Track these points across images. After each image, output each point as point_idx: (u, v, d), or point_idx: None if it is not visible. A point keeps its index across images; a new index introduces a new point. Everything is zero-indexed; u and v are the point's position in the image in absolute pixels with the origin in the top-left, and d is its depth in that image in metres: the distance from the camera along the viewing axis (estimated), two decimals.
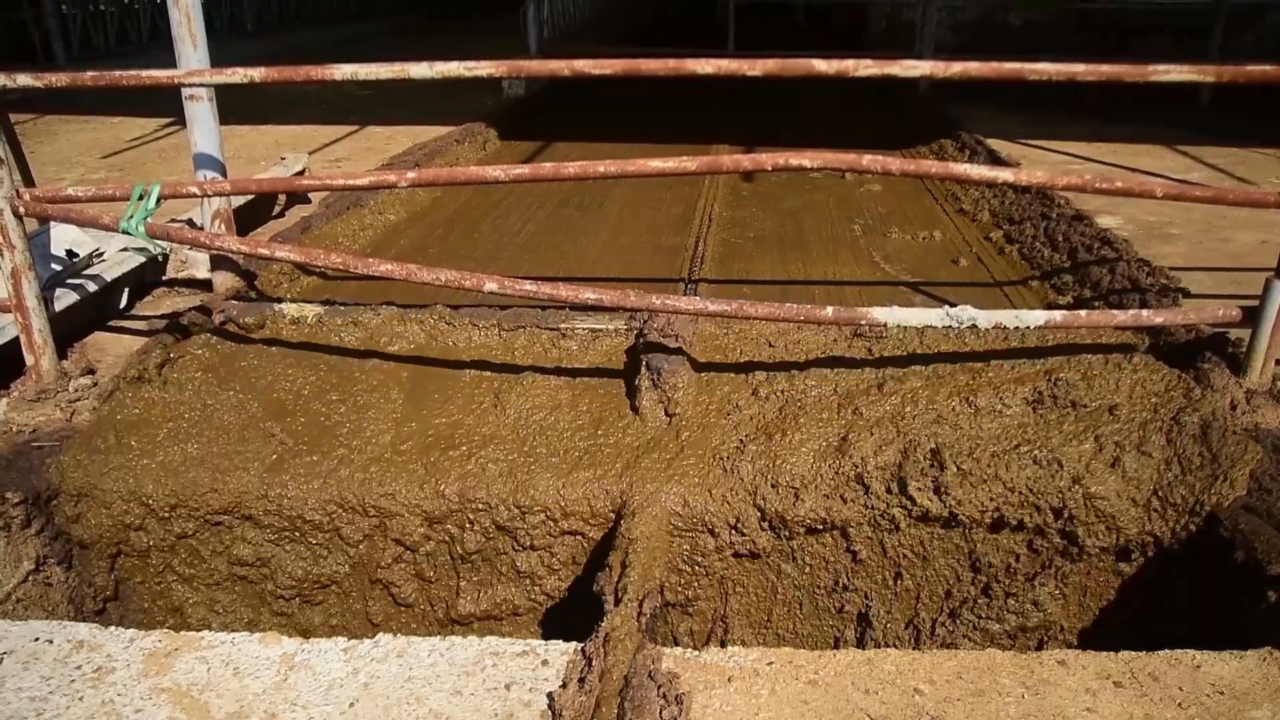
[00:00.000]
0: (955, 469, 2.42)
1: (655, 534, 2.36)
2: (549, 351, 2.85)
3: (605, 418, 2.65)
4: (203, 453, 2.60)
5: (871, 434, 2.50)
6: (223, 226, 3.18)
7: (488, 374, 2.80)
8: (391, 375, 2.81)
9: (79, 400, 2.71)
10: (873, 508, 2.47)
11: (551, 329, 2.87)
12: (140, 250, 3.37)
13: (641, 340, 2.76)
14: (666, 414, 2.60)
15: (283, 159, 4.85)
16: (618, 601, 2.05)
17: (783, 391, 2.63)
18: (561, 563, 2.61)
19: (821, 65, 2.31)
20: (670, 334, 2.72)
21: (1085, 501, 2.39)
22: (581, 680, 1.75)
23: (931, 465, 2.44)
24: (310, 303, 3.02)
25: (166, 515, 2.57)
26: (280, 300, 3.09)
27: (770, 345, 2.78)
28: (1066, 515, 2.41)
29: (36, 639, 1.90)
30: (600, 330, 2.87)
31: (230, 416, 2.69)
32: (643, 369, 2.63)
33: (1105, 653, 1.83)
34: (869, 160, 2.43)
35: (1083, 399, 2.50)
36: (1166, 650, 1.83)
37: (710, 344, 2.81)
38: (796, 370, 2.69)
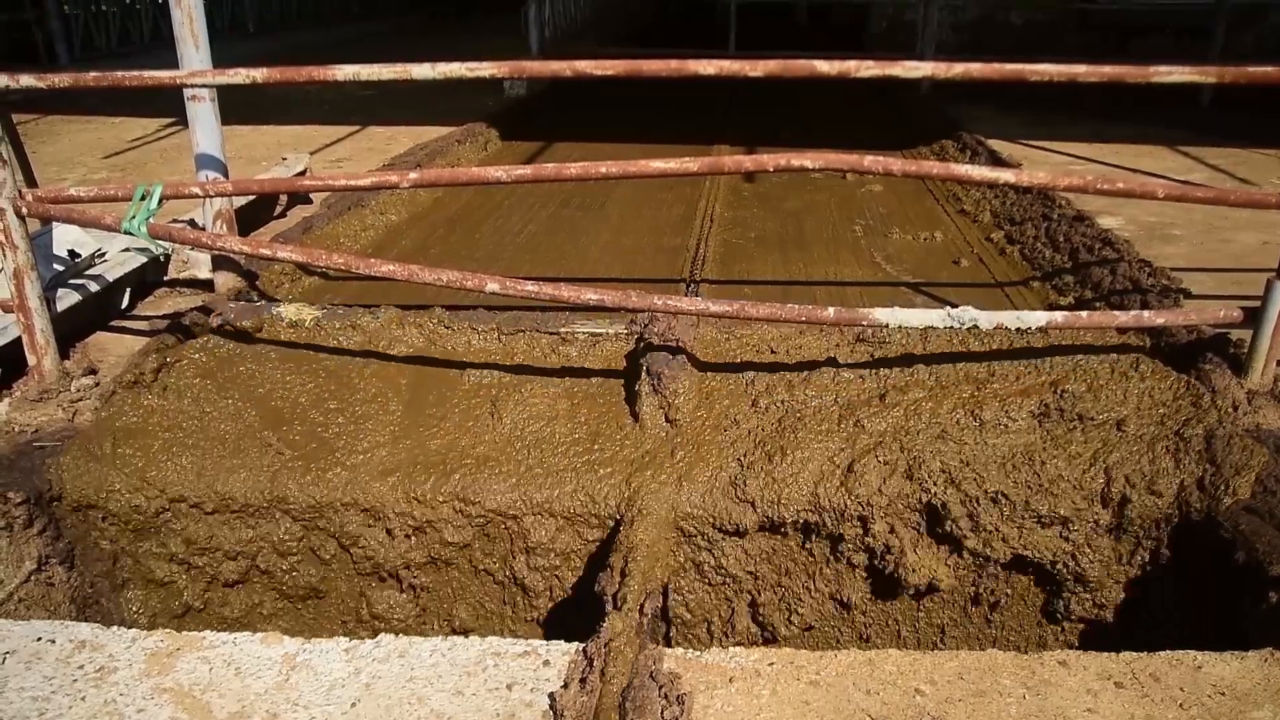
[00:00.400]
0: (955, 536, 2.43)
1: (656, 537, 2.36)
2: (548, 357, 2.82)
3: (602, 430, 2.61)
4: (198, 465, 2.57)
5: (876, 457, 2.44)
6: (224, 227, 3.18)
7: (487, 381, 2.77)
8: (390, 383, 2.79)
9: (81, 400, 2.71)
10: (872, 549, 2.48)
11: (551, 333, 2.85)
12: (142, 250, 3.38)
13: (642, 344, 2.74)
14: (667, 420, 2.58)
15: (284, 159, 4.85)
16: (619, 602, 2.05)
17: (783, 402, 2.59)
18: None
19: (824, 66, 2.31)
20: (671, 339, 2.70)
21: (1080, 583, 2.45)
22: (583, 680, 1.75)
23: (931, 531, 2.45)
24: (309, 305, 3.00)
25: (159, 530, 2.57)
26: (278, 302, 3.08)
27: (772, 351, 2.76)
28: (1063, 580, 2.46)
29: (39, 639, 1.90)
30: (600, 334, 2.85)
31: (227, 425, 2.67)
32: (643, 374, 2.61)
33: (1106, 653, 1.83)
34: (870, 161, 2.44)
35: (1089, 411, 2.47)
36: (1168, 651, 1.83)
37: (711, 349, 2.79)
38: (798, 379, 2.66)
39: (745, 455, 2.50)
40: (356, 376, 2.80)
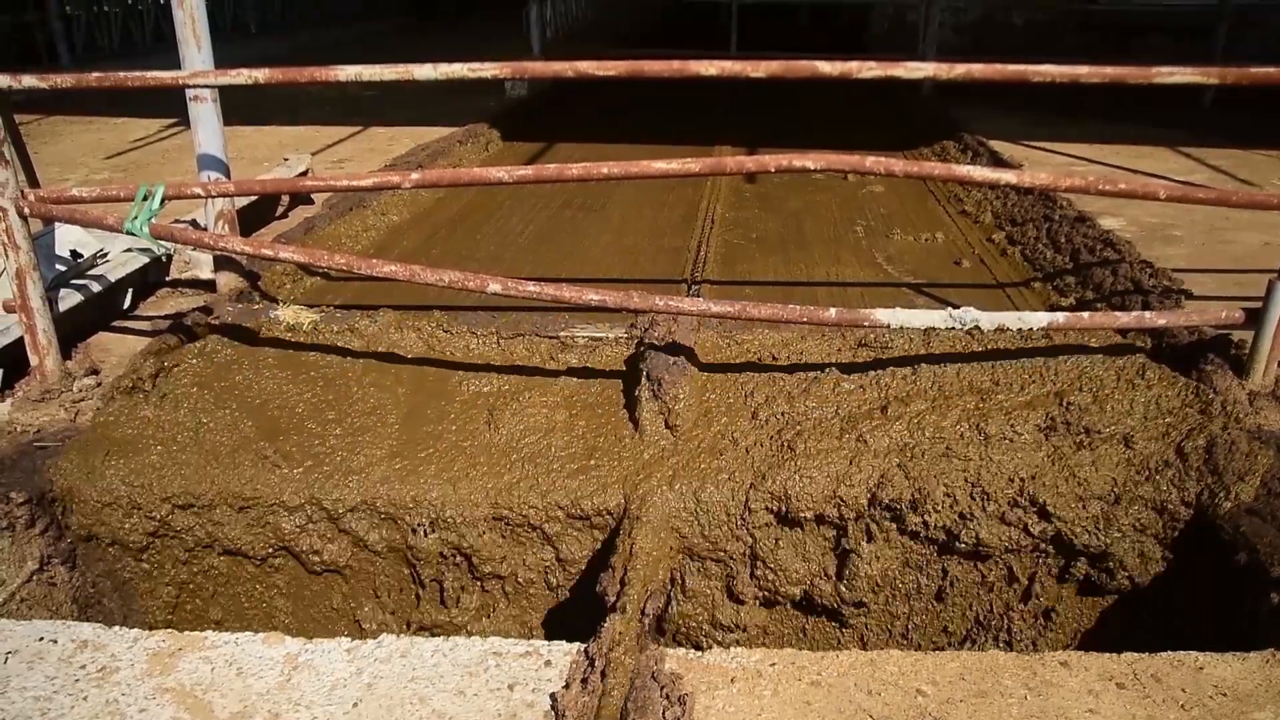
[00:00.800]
0: None
1: (657, 540, 2.36)
2: (547, 363, 2.77)
3: (600, 444, 2.54)
4: (185, 487, 2.50)
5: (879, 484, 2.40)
6: (226, 227, 3.19)
7: (486, 389, 2.71)
8: (388, 392, 2.73)
9: (83, 400, 2.71)
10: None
11: (550, 337, 2.81)
12: (144, 251, 3.38)
13: (642, 349, 2.70)
14: (667, 425, 2.54)
15: (286, 160, 4.86)
16: (620, 603, 2.05)
17: (784, 414, 2.52)
18: None
19: (825, 67, 2.31)
20: (671, 344, 2.67)
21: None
22: (584, 681, 1.75)
23: None
24: (307, 308, 2.98)
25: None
26: (276, 305, 3.04)
27: (774, 358, 2.70)
28: None
29: (41, 639, 1.90)
30: (600, 339, 2.82)
31: (223, 437, 2.60)
32: (643, 379, 2.57)
33: (1108, 654, 1.82)
34: (872, 162, 2.44)
35: (1096, 425, 2.42)
36: (1169, 652, 1.83)
37: (712, 354, 2.74)
38: (799, 388, 2.58)
39: (743, 498, 2.41)
40: (355, 385, 2.76)
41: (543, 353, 2.80)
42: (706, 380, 2.68)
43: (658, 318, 2.81)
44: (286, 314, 2.94)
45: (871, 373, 2.63)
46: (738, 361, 2.74)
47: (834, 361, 2.70)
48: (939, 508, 2.37)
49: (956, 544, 2.40)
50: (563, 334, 2.83)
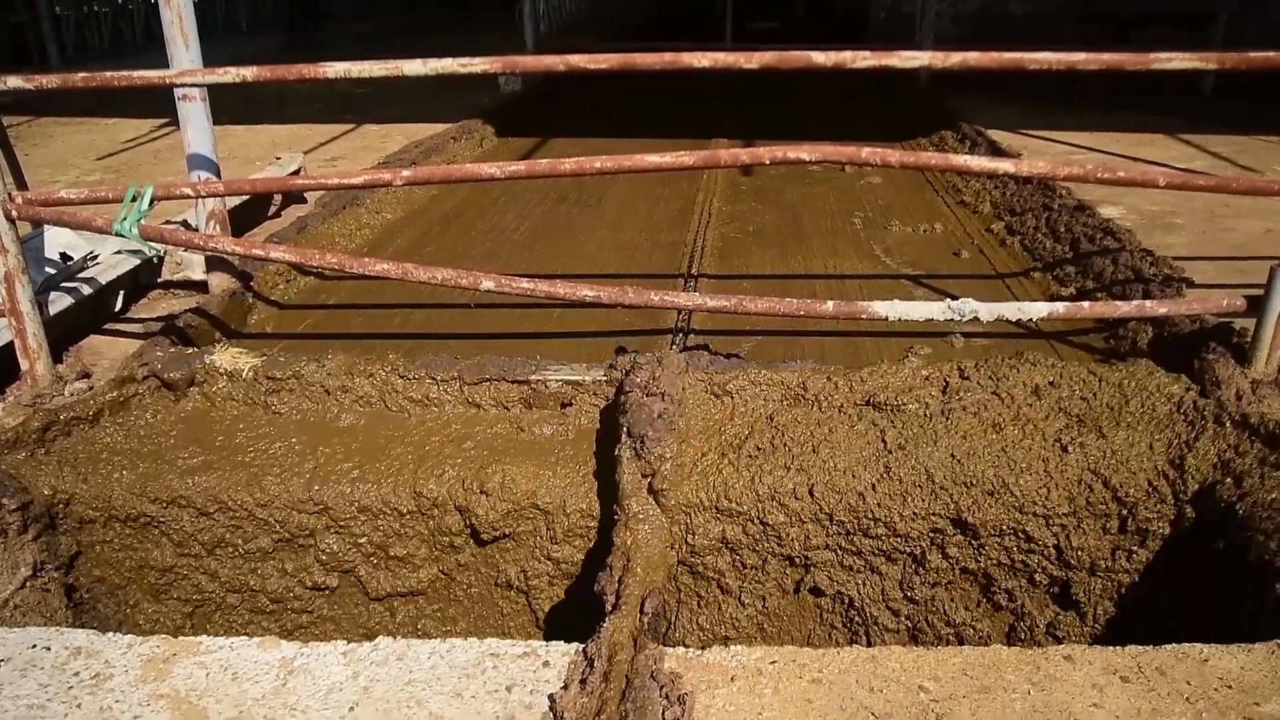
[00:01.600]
0: None
1: (656, 539, 2.33)
2: (517, 433, 2.52)
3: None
4: None
5: None
6: (217, 227, 3.16)
7: (449, 475, 2.41)
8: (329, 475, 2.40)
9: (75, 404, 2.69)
10: None
11: (520, 381, 2.56)
12: (135, 252, 3.35)
13: (622, 398, 2.42)
14: (651, 491, 2.26)
15: (278, 159, 4.83)
16: (619, 602, 2.03)
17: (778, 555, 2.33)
18: None
19: (819, 57, 2.28)
20: (656, 391, 2.38)
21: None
22: (583, 681, 1.73)
23: None
24: (247, 351, 2.71)
25: None
26: (212, 350, 2.76)
27: (770, 419, 2.43)
28: None
29: (34, 645, 1.88)
30: (577, 382, 2.55)
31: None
32: (624, 435, 2.29)
33: (1112, 647, 1.80)
34: (868, 153, 2.41)
35: (1102, 469, 2.33)
36: (1173, 644, 1.80)
37: (700, 413, 2.45)
38: (799, 449, 2.35)
39: None
40: (291, 472, 2.43)
41: (511, 401, 2.58)
42: (695, 434, 2.40)
43: (639, 359, 2.56)
44: (224, 359, 2.64)
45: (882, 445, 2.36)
46: (729, 424, 2.43)
47: (838, 440, 2.40)
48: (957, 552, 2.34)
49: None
50: (533, 378, 2.57)
